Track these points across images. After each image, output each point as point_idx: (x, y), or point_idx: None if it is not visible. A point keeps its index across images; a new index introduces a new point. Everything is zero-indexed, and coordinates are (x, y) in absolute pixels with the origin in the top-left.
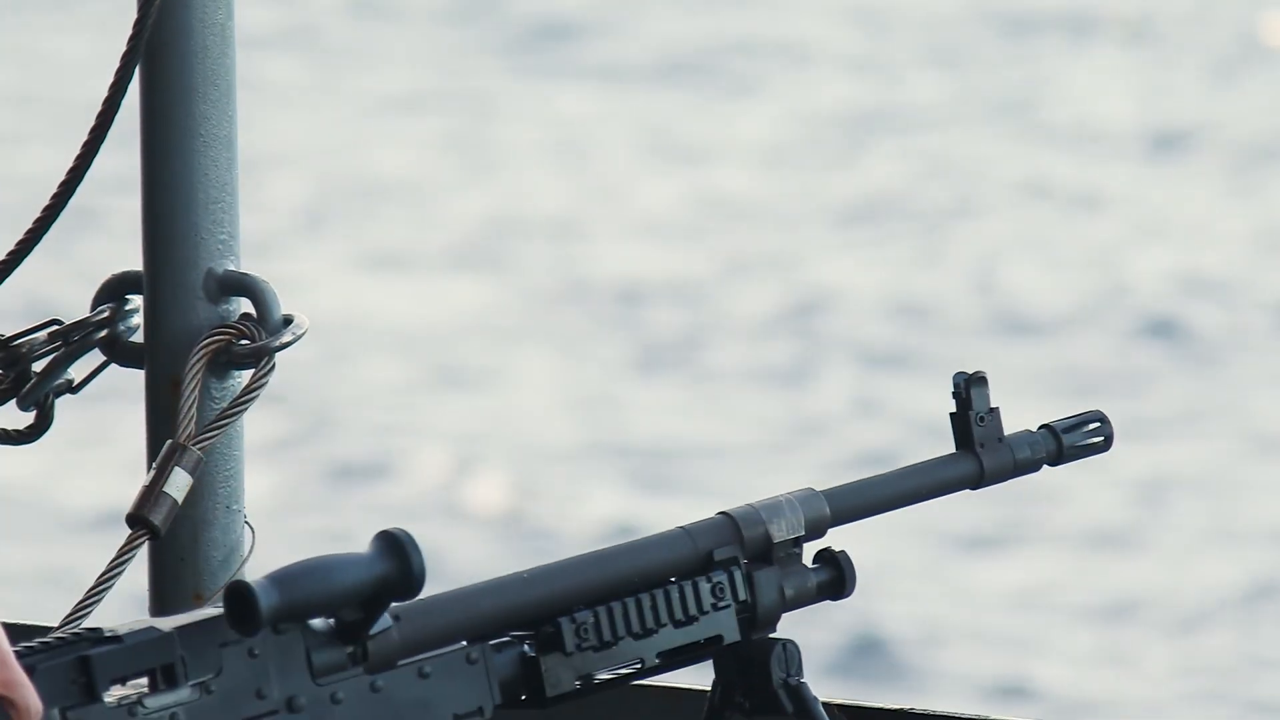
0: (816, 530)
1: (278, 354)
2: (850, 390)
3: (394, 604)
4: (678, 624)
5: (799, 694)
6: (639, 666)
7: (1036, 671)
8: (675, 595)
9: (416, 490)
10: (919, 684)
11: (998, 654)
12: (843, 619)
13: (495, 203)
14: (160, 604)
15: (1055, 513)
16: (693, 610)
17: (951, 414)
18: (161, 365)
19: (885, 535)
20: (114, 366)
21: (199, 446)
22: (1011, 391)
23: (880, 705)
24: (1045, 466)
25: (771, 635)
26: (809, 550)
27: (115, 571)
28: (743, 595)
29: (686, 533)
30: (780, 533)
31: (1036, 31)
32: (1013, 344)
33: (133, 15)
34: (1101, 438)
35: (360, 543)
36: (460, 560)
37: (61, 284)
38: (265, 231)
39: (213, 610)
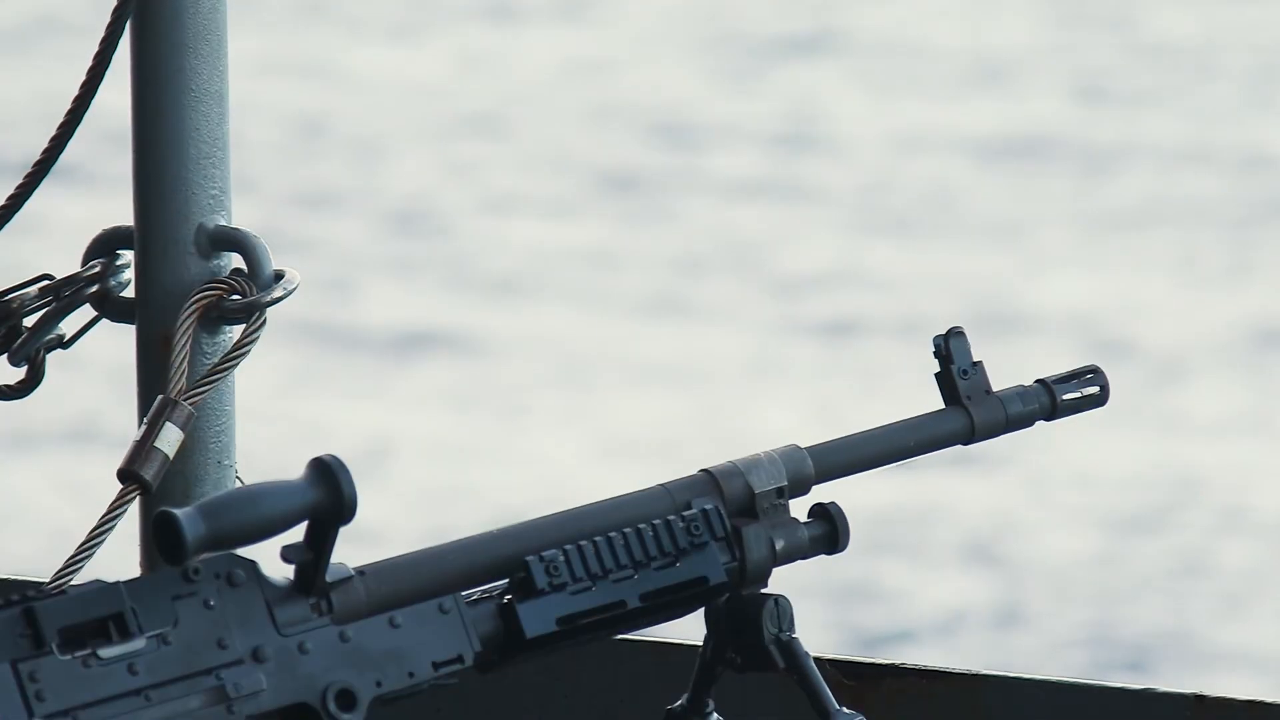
0: (800, 485)
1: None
2: None
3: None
4: (656, 565)
5: (791, 649)
6: (621, 609)
7: None
8: (648, 533)
9: None
10: None
11: None
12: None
13: None
14: (152, 560)
15: None
16: (667, 546)
17: (935, 373)
18: (152, 321)
19: None
20: (105, 321)
21: (190, 402)
22: None
23: (872, 660)
24: (1040, 421)
25: (763, 590)
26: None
27: (106, 527)
28: (720, 532)
29: (665, 489)
30: (761, 484)
31: None
32: None
33: None
34: (1097, 388)
35: None
36: None
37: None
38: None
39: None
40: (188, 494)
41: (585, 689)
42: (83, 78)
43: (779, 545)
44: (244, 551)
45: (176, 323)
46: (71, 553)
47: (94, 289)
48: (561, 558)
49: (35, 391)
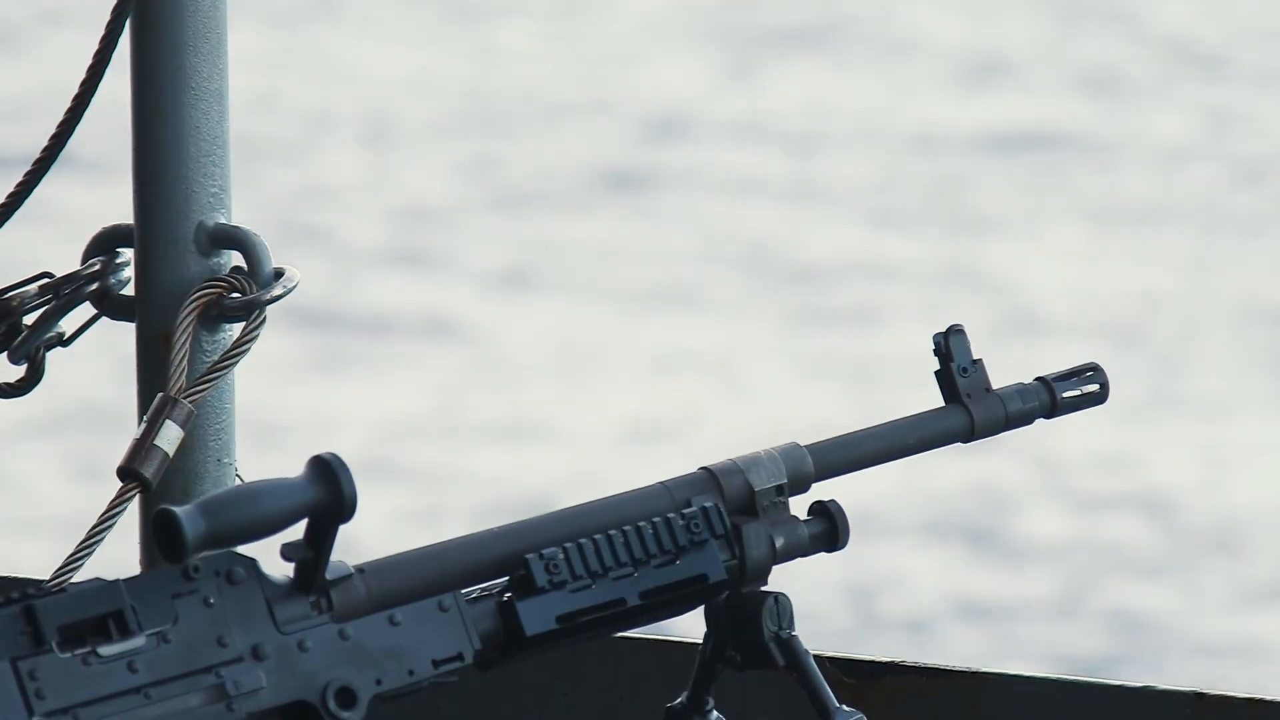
0: (800, 483)
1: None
2: None
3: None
4: (656, 563)
5: (790, 647)
6: (621, 607)
7: None
8: (648, 531)
9: None
10: None
11: None
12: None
13: None
14: (152, 558)
15: None
16: (667, 544)
17: (935, 371)
18: (152, 319)
19: None
20: (105, 320)
21: (190, 400)
22: None
23: (872, 658)
24: (1040, 419)
25: (763, 588)
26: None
27: (106, 525)
28: (720, 530)
29: (664, 486)
30: (760, 481)
31: None
32: None
33: None
34: (1097, 385)
35: None
36: None
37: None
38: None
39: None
40: (187, 492)
41: (585, 687)
42: (83, 76)
43: (779, 543)
44: (244, 549)
45: (176, 321)
46: (71, 550)
47: (94, 287)
48: (561, 555)
49: (35, 389)
